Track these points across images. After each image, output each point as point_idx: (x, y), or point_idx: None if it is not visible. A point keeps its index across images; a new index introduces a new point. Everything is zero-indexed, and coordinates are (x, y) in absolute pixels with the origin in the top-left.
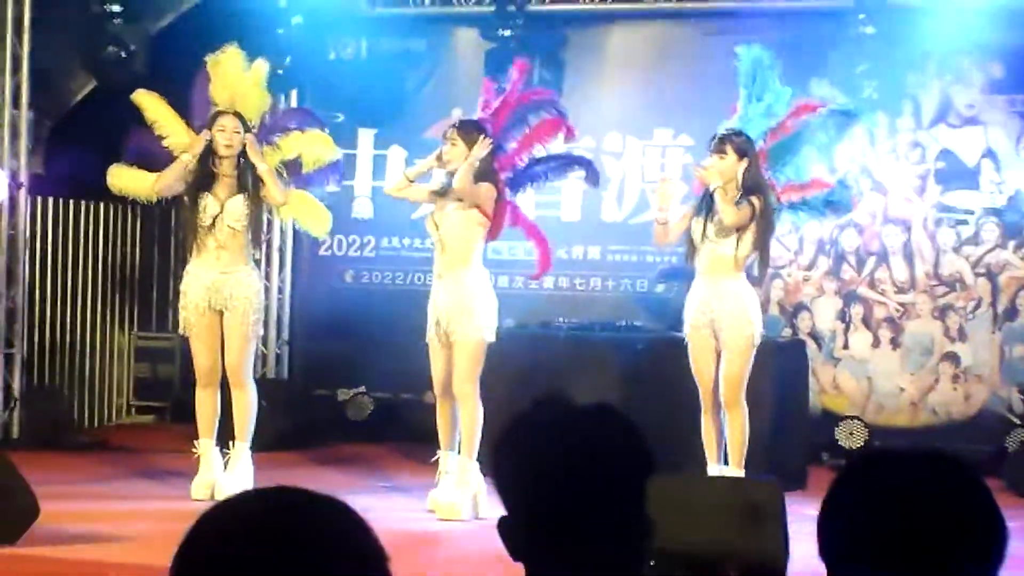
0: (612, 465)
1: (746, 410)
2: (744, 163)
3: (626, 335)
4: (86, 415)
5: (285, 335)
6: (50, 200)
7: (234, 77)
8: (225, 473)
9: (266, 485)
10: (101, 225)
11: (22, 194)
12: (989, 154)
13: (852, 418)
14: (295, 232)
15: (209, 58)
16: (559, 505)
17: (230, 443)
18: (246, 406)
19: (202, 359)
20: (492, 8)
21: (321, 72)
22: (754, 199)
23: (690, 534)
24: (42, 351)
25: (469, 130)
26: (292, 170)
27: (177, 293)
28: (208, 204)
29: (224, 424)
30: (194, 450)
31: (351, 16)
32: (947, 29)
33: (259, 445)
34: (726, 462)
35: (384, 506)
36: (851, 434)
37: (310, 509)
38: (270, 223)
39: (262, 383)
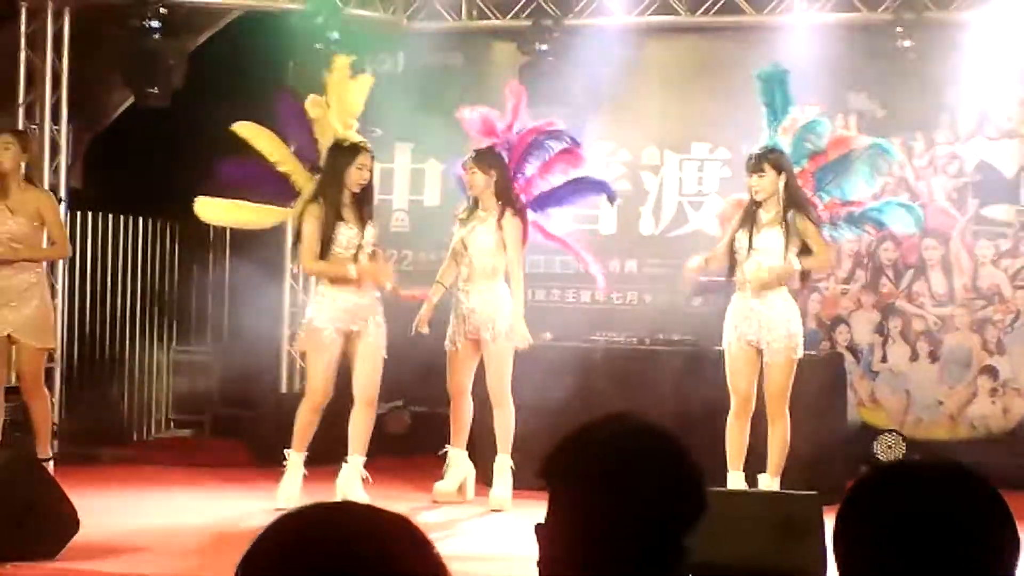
0: (665, 500)
1: (789, 422)
2: (783, 178)
3: (663, 349)
4: (125, 428)
5: None
6: (89, 214)
7: (348, 96)
8: (345, 484)
9: (307, 498)
10: (140, 239)
11: (61, 208)
12: None
13: (890, 431)
14: None
15: (329, 78)
16: (605, 524)
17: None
18: (368, 423)
19: (322, 380)
20: (529, 22)
21: None
22: (807, 218)
23: (730, 548)
24: (81, 365)
25: (485, 158)
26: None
27: (215, 307)
28: (347, 234)
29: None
30: (284, 462)
31: (388, 31)
32: (984, 42)
33: None
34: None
35: (431, 521)
36: (889, 447)
37: (375, 524)
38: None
39: (300, 397)
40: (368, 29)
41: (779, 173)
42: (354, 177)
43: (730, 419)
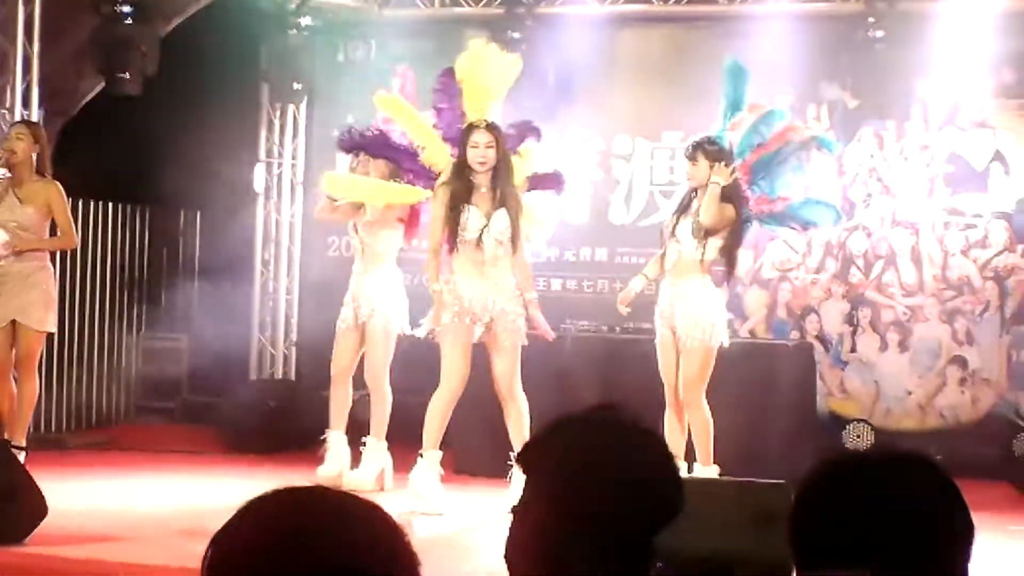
0: (639, 496)
1: (706, 410)
2: (715, 170)
3: (633, 337)
4: (94, 415)
5: (294, 336)
6: None
7: (485, 82)
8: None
9: (277, 486)
10: (110, 225)
11: None
12: (998, 157)
13: (860, 421)
14: (303, 233)
15: (462, 58)
16: (577, 514)
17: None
18: (522, 415)
19: (463, 366)
20: (502, 10)
21: (331, 74)
22: (729, 207)
23: (699, 537)
24: (50, 350)
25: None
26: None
27: (186, 293)
28: (472, 217)
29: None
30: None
31: (360, 18)
32: (956, 34)
33: (267, 446)
34: (692, 459)
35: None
36: (858, 437)
37: (348, 510)
38: (278, 223)
39: (270, 384)
40: (340, 16)
41: (711, 165)
42: (470, 156)
43: (666, 411)
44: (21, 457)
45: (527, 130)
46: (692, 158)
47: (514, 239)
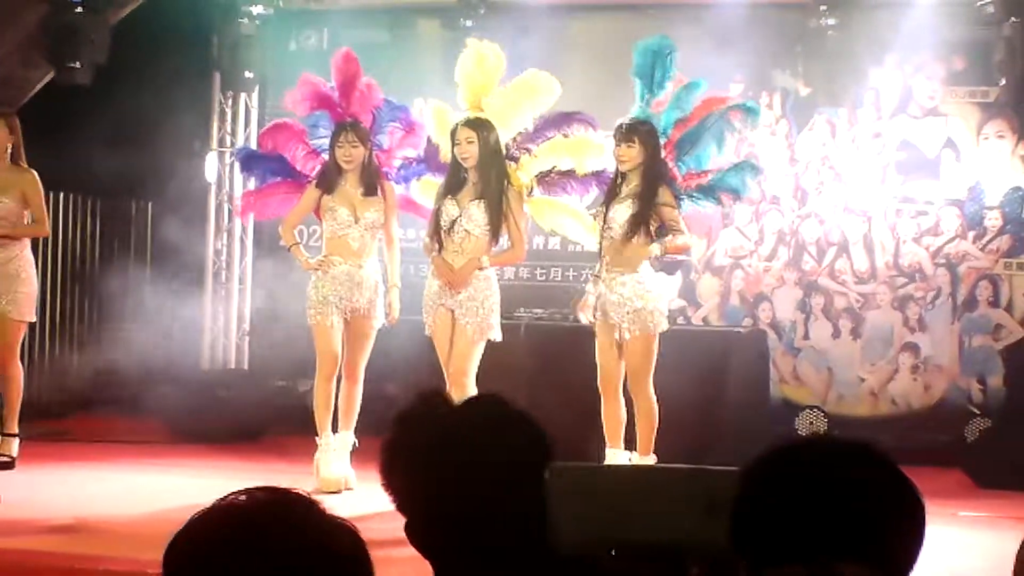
0: (502, 457)
1: (653, 399)
2: (647, 153)
3: (587, 325)
4: (46, 405)
5: (246, 326)
6: None
7: (476, 78)
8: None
9: (230, 476)
10: (60, 215)
11: None
12: (949, 145)
13: (812, 408)
14: (256, 222)
15: (460, 57)
16: (452, 502)
17: None
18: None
19: (444, 359)
20: None
21: (283, 63)
22: (666, 197)
23: (650, 526)
24: None
25: (362, 131)
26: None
27: (137, 284)
28: (448, 208)
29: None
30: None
31: (313, 7)
32: (908, 22)
33: (219, 436)
34: (628, 447)
35: (347, 502)
36: (811, 424)
37: (292, 509)
38: (230, 213)
39: (223, 374)
40: (292, 4)
41: (645, 148)
42: (455, 152)
43: (601, 401)
44: (14, 444)
45: (550, 126)
46: (628, 140)
47: (492, 232)
